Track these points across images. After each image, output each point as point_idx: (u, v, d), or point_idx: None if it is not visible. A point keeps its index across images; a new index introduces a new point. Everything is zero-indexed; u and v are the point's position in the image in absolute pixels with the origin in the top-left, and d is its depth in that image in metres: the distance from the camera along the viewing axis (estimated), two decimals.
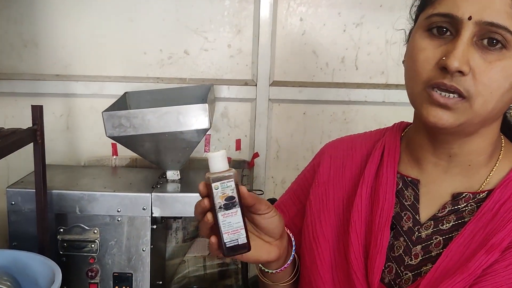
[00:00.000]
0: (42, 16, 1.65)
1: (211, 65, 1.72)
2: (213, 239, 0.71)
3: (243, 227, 0.70)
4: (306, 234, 0.88)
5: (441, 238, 0.76)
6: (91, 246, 1.37)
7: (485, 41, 0.67)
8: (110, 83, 1.69)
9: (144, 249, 1.38)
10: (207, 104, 1.35)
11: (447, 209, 0.78)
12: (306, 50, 1.73)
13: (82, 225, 1.36)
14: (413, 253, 0.77)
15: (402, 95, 1.70)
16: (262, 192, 1.73)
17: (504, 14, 0.66)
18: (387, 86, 1.76)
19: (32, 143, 1.20)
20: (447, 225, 0.77)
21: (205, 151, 1.76)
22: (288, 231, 0.85)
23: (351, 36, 1.72)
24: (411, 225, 0.79)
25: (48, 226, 1.29)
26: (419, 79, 0.72)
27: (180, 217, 1.55)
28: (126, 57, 1.70)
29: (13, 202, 1.35)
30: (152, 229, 1.38)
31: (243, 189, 0.70)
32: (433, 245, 0.76)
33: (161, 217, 1.41)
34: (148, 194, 1.37)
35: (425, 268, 0.76)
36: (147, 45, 1.69)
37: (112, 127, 1.34)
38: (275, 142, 1.80)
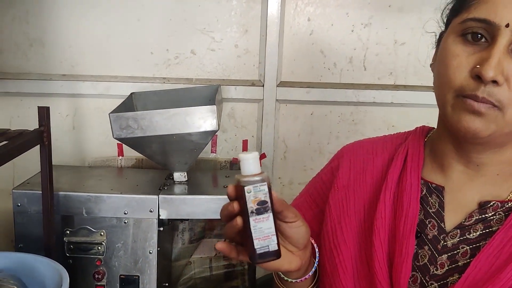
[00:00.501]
0: (48, 15, 1.64)
1: (218, 65, 1.71)
2: (219, 244, 0.70)
3: (275, 233, 0.67)
4: (326, 240, 0.86)
5: (468, 247, 0.74)
6: (98, 248, 1.36)
7: None
8: (117, 83, 1.68)
9: (151, 251, 1.36)
10: (215, 106, 1.33)
11: (474, 218, 0.75)
12: (314, 50, 1.71)
13: (89, 227, 1.35)
14: (438, 263, 0.75)
15: (410, 96, 1.73)
16: None
17: None
18: (395, 87, 1.74)
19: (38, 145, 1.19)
20: (474, 234, 0.74)
21: (211, 151, 1.75)
22: (313, 242, 0.83)
23: (359, 36, 1.71)
24: (436, 233, 0.77)
25: (55, 228, 1.28)
26: (451, 86, 0.70)
27: (187, 219, 1.54)
28: (133, 57, 1.69)
29: (19, 204, 1.34)
30: (159, 231, 1.37)
31: (276, 194, 0.68)
32: (459, 255, 0.74)
33: (168, 219, 1.40)
34: (155, 196, 1.35)
35: (451, 278, 0.73)
36: (154, 45, 1.68)
37: (119, 129, 1.33)
38: (282, 143, 1.78)
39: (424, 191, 0.80)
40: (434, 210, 0.79)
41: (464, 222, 0.76)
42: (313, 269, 0.83)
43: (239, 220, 0.67)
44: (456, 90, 0.69)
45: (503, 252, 0.70)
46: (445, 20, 0.78)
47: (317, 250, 0.84)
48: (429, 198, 0.80)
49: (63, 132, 1.72)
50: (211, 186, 1.59)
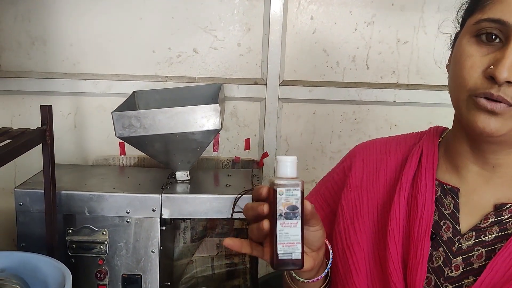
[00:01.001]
0: (50, 14, 1.64)
1: (220, 63, 1.70)
2: (228, 240, 0.70)
3: (300, 241, 0.64)
4: (339, 240, 0.86)
5: (483, 250, 0.73)
6: (100, 248, 1.35)
7: None
8: (119, 81, 1.68)
9: (153, 250, 1.36)
10: (218, 105, 1.33)
11: (490, 220, 0.75)
12: (317, 49, 1.71)
13: (91, 226, 1.35)
14: (453, 265, 0.75)
15: (413, 95, 1.72)
16: None
17: None
18: (398, 86, 1.73)
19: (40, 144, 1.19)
20: (490, 236, 0.74)
21: (213, 150, 1.75)
22: (327, 243, 0.82)
23: (362, 35, 1.70)
24: (450, 235, 0.76)
25: (57, 227, 1.27)
26: (465, 86, 0.70)
27: (189, 218, 1.54)
28: (135, 55, 1.68)
29: (21, 203, 1.34)
30: (161, 230, 1.36)
31: (308, 202, 0.66)
32: (475, 257, 0.74)
33: (171, 218, 1.39)
34: (158, 195, 1.35)
35: (466, 281, 0.73)
36: (156, 43, 1.68)
37: (122, 128, 1.32)
38: (285, 142, 1.78)
39: (439, 192, 0.80)
40: (449, 212, 0.78)
41: (479, 224, 0.75)
42: (326, 271, 0.82)
43: (265, 224, 0.65)
44: (469, 90, 0.69)
45: None
46: (460, 21, 0.78)
47: (331, 252, 0.83)
48: (444, 199, 0.79)
49: (65, 130, 1.72)
50: (213, 185, 1.59)
